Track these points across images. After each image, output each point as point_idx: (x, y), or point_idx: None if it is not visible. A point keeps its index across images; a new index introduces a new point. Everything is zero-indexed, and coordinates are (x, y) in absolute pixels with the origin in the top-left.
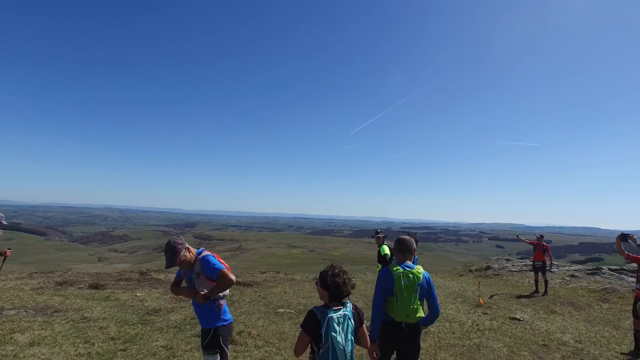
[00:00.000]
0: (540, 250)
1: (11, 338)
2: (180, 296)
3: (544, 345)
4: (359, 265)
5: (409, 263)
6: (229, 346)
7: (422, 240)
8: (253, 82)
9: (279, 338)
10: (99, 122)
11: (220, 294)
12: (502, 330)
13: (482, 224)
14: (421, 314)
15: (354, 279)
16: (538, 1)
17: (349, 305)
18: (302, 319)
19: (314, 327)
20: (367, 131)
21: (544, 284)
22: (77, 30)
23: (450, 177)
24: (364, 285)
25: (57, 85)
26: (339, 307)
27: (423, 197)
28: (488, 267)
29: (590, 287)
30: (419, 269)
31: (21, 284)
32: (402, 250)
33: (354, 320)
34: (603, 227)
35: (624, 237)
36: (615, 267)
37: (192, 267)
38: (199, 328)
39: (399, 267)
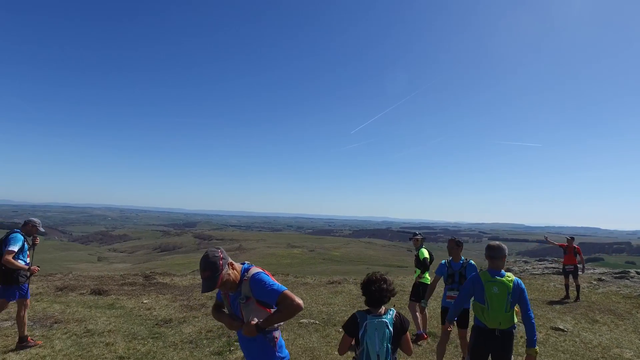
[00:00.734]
0: (572, 253)
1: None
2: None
3: None
4: (359, 266)
5: (500, 270)
6: None
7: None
8: (253, 82)
9: (311, 356)
10: (100, 121)
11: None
12: (551, 343)
13: (482, 223)
14: (514, 320)
15: (394, 287)
16: (540, 0)
17: (391, 313)
18: (328, 330)
19: (353, 329)
20: (368, 131)
21: (575, 289)
22: (77, 30)
23: (450, 176)
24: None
25: (58, 84)
26: (379, 314)
27: (423, 197)
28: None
29: (622, 292)
30: (509, 277)
31: None
32: (492, 256)
33: (394, 328)
34: (603, 227)
35: None
36: None
37: (238, 288)
38: (217, 343)
39: (488, 275)
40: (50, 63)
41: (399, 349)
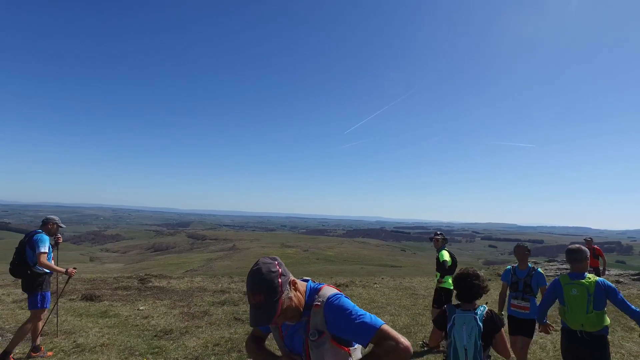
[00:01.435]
0: (592, 255)
1: None
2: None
3: None
4: (353, 265)
5: (582, 273)
6: None
7: (416, 240)
8: (245, 80)
9: None
10: (93, 120)
11: None
12: None
13: (475, 223)
14: (604, 322)
15: (486, 284)
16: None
17: (482, 309)
18: None
19: (443, 322)
20: (362, 131)
21: None
22: (62, 25)
23: (443, 176)
24: (383, 296)
25: (48, 81)
26: (468, 309)
27: (416, 197)
28: None
29: None
30: (590, 279)
31: (3, 294)
32: (573, 259)
33: (484, 325)
34: (594, 227)
35: None
36: None
37: (303, 317)
38: (226, 359)
39: (567, 278)
40: (39, 58)
41: (493, 350)
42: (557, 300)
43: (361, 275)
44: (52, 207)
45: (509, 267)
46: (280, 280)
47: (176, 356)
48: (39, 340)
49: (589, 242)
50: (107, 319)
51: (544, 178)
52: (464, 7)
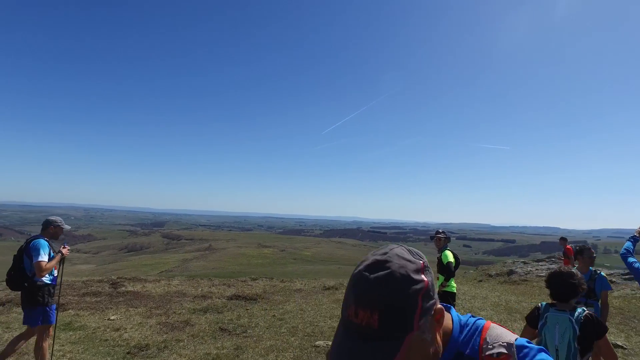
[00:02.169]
0: (566, 254)
1: None
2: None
3: None
4: (330, 266)
5: None
6: None
7: (393, 240)
8: (223, 79)
9: None
10: (62, 115)
11: None
12: None
13: (450, 223)
14: None
15: (583, 283)
16: (511, 4)
17: (580, 311)
18: None
19: (534, 320)
20: (339, 131)
21: None
22: (20, 17)
23: (419, 177)
24: None
25: (7, 73)
26: (564, 309)
27: (393, 197)
28: (511, 272)
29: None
30: None
31: None
32: None
33: (582, 328)
34: (562, 226)
35: None
36: None
37: None
38: None
39: None
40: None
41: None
42: None
43: (345, 277)
44: (18, 206)
45: None
46: (420, 301)
47: None
48: None
49: (563, 241)
50: (70, 333)
51: (517, 179)
52: (446, 9)
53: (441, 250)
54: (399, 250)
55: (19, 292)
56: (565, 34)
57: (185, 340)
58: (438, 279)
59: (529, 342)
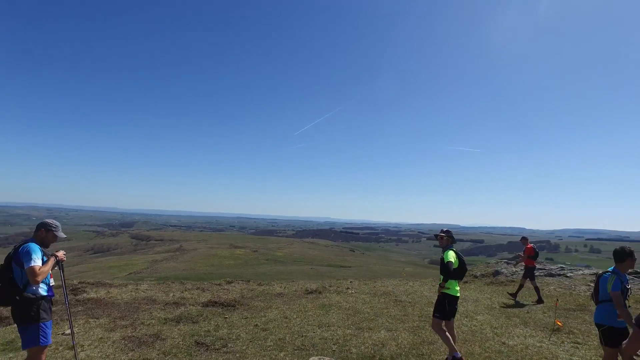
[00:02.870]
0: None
1: None
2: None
3: None
4: (303, 266)
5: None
6: None
7: (365, 241)
8: (198, 82)
9: None
10: (23, 113)
11: None
12: None
13: (421, 224)
14: None
15: None
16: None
17: None
18: None
19: None
20: (312, 133)
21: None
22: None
23: (391, 179)
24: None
25: None
26: None
27: (365, 198)
28: (497, 273)
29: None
30: None
31: None
32: None
33: None
34: (528, 227)
35: None
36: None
37: None
38: None
39: None
40: None
41: None
42: None
43: (324, 278)
44: None
45: (607, 274)
46: None
47: None
48: None
49: (525, 241)
50: (11, 355)
51: (485, 181)
52: (424, 14)
53: (444, 249)
54: None
55: (9, 308)
56: (537, 43)
57: (155, 358)
58: (440, 280)
59: None
